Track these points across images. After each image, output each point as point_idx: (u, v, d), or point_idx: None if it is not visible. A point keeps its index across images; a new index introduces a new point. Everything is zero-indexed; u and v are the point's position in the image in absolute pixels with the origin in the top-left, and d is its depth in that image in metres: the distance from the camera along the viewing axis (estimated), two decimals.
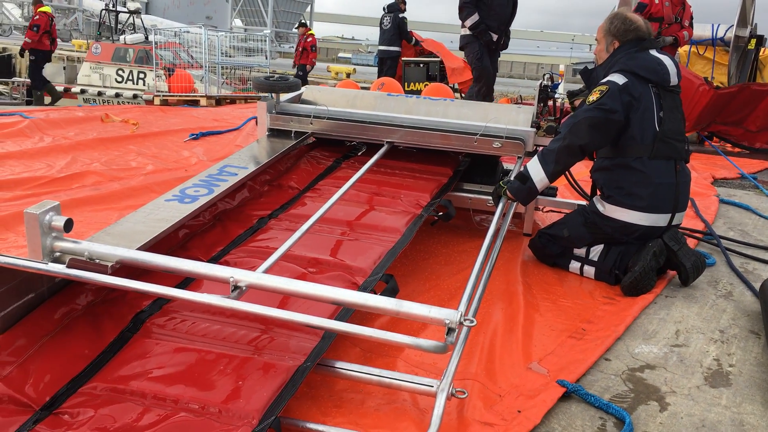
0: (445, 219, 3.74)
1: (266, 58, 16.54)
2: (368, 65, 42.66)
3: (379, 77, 12.09)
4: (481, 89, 8.16)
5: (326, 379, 2.43)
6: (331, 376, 2.40)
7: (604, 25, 3.60)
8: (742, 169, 6.59)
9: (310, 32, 16.68)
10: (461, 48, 8.35)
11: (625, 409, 2.40)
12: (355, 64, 43.38)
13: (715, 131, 8.65)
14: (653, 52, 3.51)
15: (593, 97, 3.39)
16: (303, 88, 4.61)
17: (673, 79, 3.48)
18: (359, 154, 4.35)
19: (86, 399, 2.15)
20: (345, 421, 2.22)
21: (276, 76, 4.32)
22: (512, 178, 3.59)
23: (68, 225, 2.40)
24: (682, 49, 10.52)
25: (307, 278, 2.86)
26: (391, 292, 2.87)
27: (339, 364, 2.38)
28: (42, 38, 14.30)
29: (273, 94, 4.29)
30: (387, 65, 12.65)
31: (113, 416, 2.07)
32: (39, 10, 14.32)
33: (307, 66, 16.72)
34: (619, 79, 3.40)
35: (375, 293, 2.76)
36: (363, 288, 2.82)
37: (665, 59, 3.50)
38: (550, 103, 4.29)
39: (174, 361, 2.33)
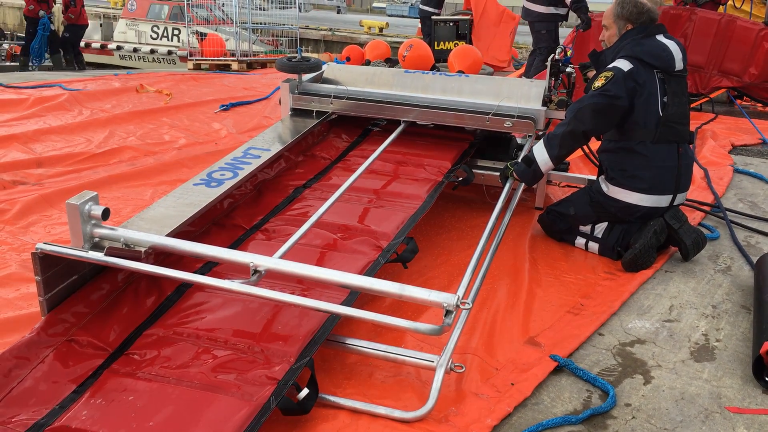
0: (464, 183, 4.02)
1: (299, 11, 16.43)
2: (403, 16, 42.09)
3: (422, 35, 12.24)
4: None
5: (339, 354, 2.69)
6: (343, 351, 2.66)
7: (614, 9, 3.68)
8: (764, 135, 6.59)
9: None
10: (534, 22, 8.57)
11: (611, 383, 2.62)
12: (390, 15, 42.82)
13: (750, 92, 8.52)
14: (660, 38, 3.61)
15: (598, 83, 3.52)
16: (324, 67, 4.80)
17: (678, 65, 3.58)
18: (385, 122, 4.61)
19: (151, 341, 2.55)
20: (355, 392, 2.48)
21: (298, 57, 4.51)
22: (519, 160, 3.77)
23: (105, 214, 2.67)
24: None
25: (336, 243, 3.23)
26: (411, 252, 3.21)
27: (350, 341, 2.63)
28: None
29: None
30: (426, 24, 12.64)
31: (174, 356, 2.46)
32: None
33: (59, 19, 15.25)
34: (624, 65, 3.51)
35: (397, 254, 3.15)
36: (386, 250, 3.16)
37: (671, 45, 3.59)
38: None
39: (223, 309, 2.71)
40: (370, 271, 2.97)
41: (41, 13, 14.79)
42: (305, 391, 2.29)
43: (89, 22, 23.33)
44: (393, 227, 3.35)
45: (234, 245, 3.22)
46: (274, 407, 2.21)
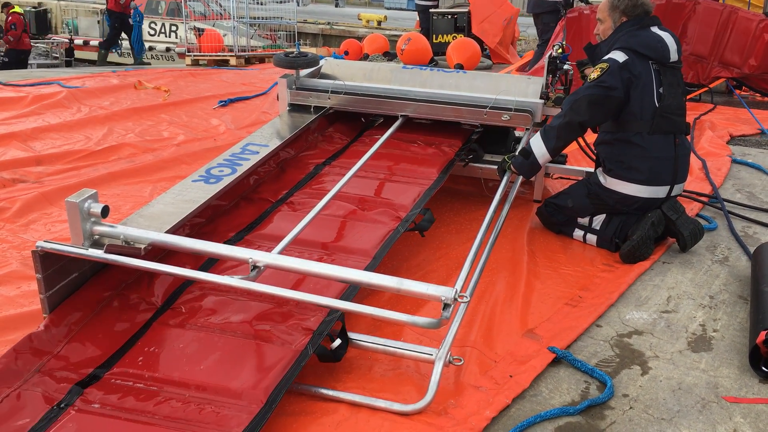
0: (475, 160, 4.21)
1: (297, 5, 16.39)
2: (402, 9, 41.90)
3: (420, 28, 12.21)
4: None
5: None
6: None
7: (609, 2, 3.69)
8: (762, 125, 6.58)
9: (12, 11, 15.17)
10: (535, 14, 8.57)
11: (609, 374, 2.64)
12: (388, 8, 42.62)
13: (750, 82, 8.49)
14: (654, 29, 3.62)
15: (594, 74, 3.53)
16: (322, 62, 4.80)
17: (673, 56, 3.59)
18: (382, 119, 4.63)
19: (195, 297, 2.79)
20: (354, 386, 2.50)
21: (296, 52, 4.52)
22: (516, 153, 3.79)
23: (105, 211, 2.69)
24: None
25: (357, 214, 3.45)
26: (428, 222, 3.43)
27: (349, 335, 2.64)
28: None
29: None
30: (422, 18, 12.62)
31: (216, 309, 2.71)
32: None
33: (1, 46, 15.09)
34: (619, 56, 3.53)
35: (415, 224, 3.34)
36: (405, 220, 3.38)
37: (666, 36, 3.60)
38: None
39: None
40: (391, 239, 3.20)
41: (133, 4, 14.84)
42: (338, 341, 2.51)
43: (86, 18, 23.31)
44: (410, 199, 3.56)
45: (262, 217, 3.43)
46: (312, 354, 2.44)
